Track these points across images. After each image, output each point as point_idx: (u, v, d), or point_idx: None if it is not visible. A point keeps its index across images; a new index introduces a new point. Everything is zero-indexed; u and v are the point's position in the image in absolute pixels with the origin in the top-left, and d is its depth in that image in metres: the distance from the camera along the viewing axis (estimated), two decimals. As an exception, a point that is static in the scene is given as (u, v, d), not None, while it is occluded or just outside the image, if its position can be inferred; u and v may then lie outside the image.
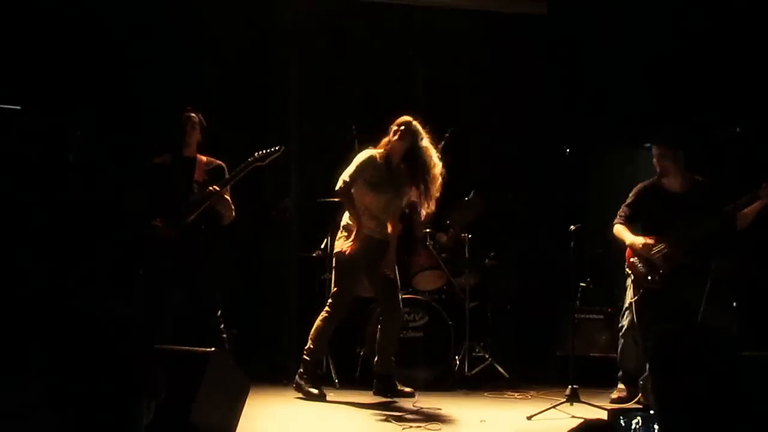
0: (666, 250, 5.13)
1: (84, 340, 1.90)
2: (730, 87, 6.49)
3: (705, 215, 5.07)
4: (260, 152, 5.04)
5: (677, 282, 5.12)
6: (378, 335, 5.59)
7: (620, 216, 5.41)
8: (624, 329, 5.44)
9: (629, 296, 5.37)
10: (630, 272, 5.34)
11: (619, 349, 5.55)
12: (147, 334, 2.06)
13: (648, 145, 7.39)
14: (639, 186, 5.44)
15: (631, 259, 5.30)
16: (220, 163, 5.13)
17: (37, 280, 5.75)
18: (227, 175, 5.06)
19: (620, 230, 5.37)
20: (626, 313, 5.42)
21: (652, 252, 5.17)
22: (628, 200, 5.43)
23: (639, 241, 5.23)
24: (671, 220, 5.15)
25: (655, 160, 5.31)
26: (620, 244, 5.41)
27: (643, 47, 7.06)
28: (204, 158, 5.11)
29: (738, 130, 5.00)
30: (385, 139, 5.41)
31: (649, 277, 5.20)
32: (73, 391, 1.79)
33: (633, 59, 7.12)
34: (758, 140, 5.69)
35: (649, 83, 7.09)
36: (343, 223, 5.50)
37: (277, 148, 5.06)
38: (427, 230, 6.52)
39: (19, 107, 5.79)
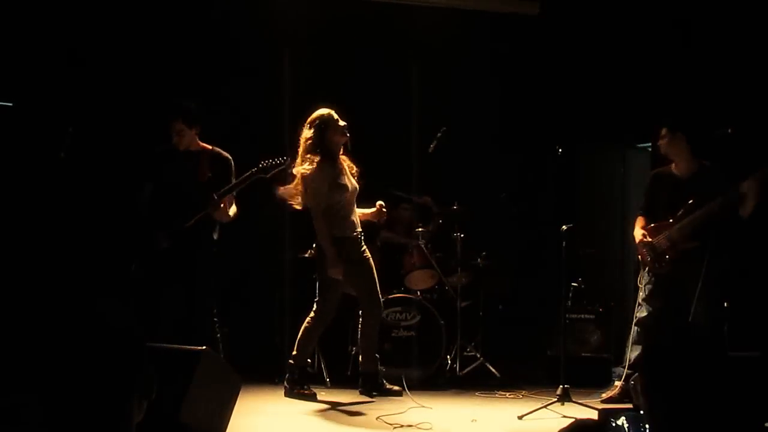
0: (671, 235, 5.19)
1: (76, 340, 1.89)
2: (723, 87, 6.51)
3: (706, 197, 5.08)
4: (264, 162, 4.94)
5: (684, 268, 5.15)
6: (358, 335, 5.57)
7: (639, 208, 5.53)
8: (637, 320, 5.41)
9: (643, 286, 5.41)
10: (640, 259, 5.41)
11: (630, 341, 5.47)
12: (141, 332, 2.05)
13: (639, 145, 7.44)
14: (652, 172, 5.58)
15: (642, 240, 5.36)
16: (227, 156, 5.04)
17: (29, 278, 5.74)
18: (232, 170, 5.01)
19: (635, 223, 5.46)
20: (641, 304, 5.41)
21: (654, 242, 5.25)
22: (645, 188, 5.54)
23: (638, 236, 5.33)
24: (677, 204, 5.21)
25: (659, 147, 5.42)
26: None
27: (634, 47, 7.07)
28: (210, 148, 5.05)
29: (729, 131, 5.01)
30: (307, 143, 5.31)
31: (656, 264, 5.25)
32: (65, 390, 1.79)
33: (625, 59, 7.14)
34: (750, 141, 5.71)
35: (640, 83, 7.11)
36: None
37: (283, 159, 4.97)
38: (420, 229, 6.52)
39: (11, 104, 5.77)
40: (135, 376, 1.99)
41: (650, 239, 5.27)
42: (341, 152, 5.41)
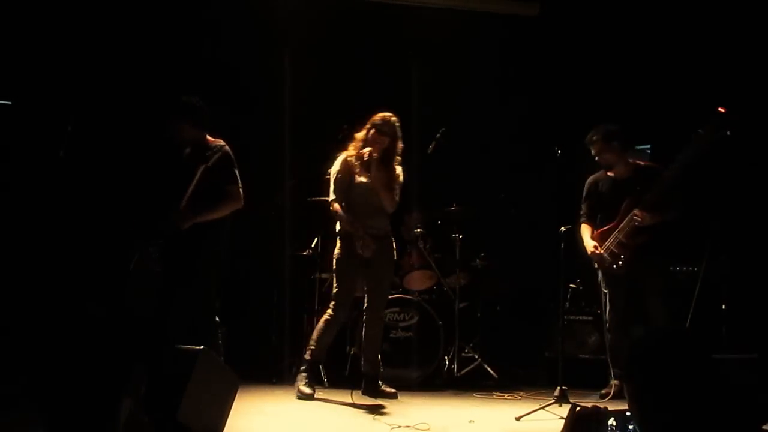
0: (619, 240, 5.35)
1: (67, 340, 1.88)
2: (722, 88, 6.51)
3: (641, 194, 5.24)
4: (207, 153, 4.99)
5: (640, 264, 5.32)
6: (362, 339, 5.58)
7: (581, 214, 5.65)
8: (608, 324, 5.57)
9: (604, 287, 5.58)
10: (597, 266, 5.54)
11: (608, 345, 5.60)
12: (132, 331, 2.05)
13: (639, 147, 7.43)
14: (588, 179, 5.70)
15: (594, 252, 5.50)
16: (216, 146, 4.99)
17: (26, 277, 5.74)
18: (222, 161, 4.96)
19: (581, 232, 5.59)
20: (607, 307, 5.56)
21: (604, 252, 5.41)
22: (583, 196, 5.67)
23: (590, 248, 5.48)
24: (618, 206, 5.37)
25: (597, 158, 5.53)
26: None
27: (634, 48, 7.08)
28: (210, 142, 5.03)
29: (728, 133, 5.02)
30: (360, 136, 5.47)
31: (614, 266, 5.40)
32: (55, 387, 1.78)
33: (624, 60, 7.14)
34: (748, 143, 5.73)
35: (639, 84, 7.11)
36: (337, 228, 5.52)
37: (216, 146, 5.00)
38: (418, 230, 6.52)
39: (9, 102, 5.76)
40: (125, 376, 1.98)
41: (601, 251, 5.43)
42: (377, 157, 5.41)
